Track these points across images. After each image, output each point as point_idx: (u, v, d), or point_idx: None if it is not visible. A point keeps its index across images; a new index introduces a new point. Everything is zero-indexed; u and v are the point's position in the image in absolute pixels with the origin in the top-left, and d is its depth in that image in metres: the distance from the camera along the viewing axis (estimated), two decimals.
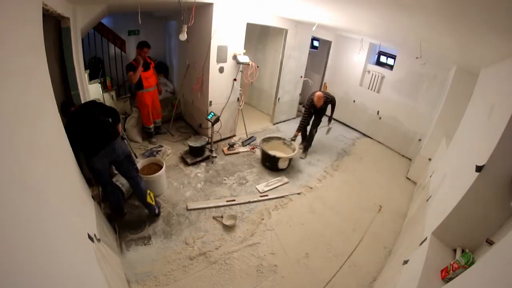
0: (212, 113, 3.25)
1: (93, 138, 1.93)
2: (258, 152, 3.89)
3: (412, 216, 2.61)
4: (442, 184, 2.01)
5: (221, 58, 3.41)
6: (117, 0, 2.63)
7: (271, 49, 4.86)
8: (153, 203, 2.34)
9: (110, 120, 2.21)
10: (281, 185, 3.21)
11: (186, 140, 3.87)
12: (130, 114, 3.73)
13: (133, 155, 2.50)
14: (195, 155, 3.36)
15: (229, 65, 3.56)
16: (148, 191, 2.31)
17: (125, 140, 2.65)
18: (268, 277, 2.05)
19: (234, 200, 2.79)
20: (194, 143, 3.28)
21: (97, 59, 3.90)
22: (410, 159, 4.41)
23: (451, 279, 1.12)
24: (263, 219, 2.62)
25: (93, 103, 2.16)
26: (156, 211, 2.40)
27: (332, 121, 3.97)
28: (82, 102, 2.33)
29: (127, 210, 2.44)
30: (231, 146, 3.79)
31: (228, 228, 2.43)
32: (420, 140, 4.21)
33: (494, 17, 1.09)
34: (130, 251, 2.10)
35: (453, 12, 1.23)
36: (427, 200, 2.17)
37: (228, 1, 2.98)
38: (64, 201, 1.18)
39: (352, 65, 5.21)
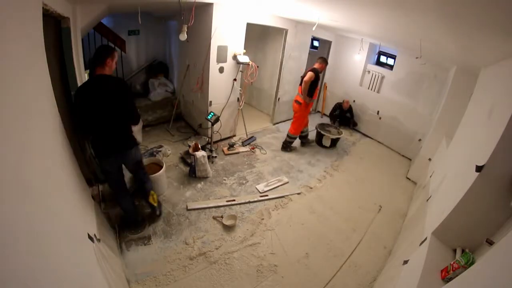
0: (212, 113, 3.25)
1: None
2: (258, 152, 3.89)
3: (412, 216, 2.61)
4: (442, 184, 2.01)
5: (221, 58, 3.41)
6: (117, 0, 2.63)
7: (271, 49, 4.86)
8: (155, 204, 2.29)
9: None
10: (281, 185, 3.20)
11: (186, 140, 3.87)
12: None
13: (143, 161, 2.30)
14: None
15: (229, 65, 3.56)
16: (152, 192, 2.25)
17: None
18: (268, 277, 2.05)
19: (234, 200, 2.79)
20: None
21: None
22: (410, 159, 4.41)
23: (451, 279, 1.12)
24: (263, 219, 2.62)
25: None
26: (158, 212, 2.35)
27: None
28: None
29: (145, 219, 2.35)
30: (231, 146, 3.79)
31: (228, 228, 2.43)
32: (420, 140, 4.21)
33: (494, 17, 1.09)
34: (130, 251, 2.10)
35: (453, 12, 1.23)
36: (427, 200, 2.17)
37: (228, 1, 2.98)
38: (64, 201, 1.18)
39: (352, 65, 5.21)
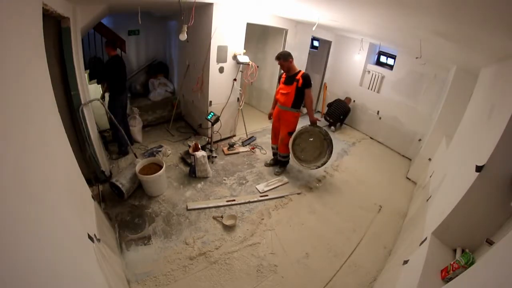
0: (212, 113, 3.25)
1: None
2: (258, 152, 3.89)
3: (412, 216, 2.61)
4: (442, 184, 2.01)
5: (221, 58, 3.41)
6: (117, 0, 2.63)
7: (271, 49, 4.86)
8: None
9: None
10: (281, 185, 3.20)
11: (186, 140, 3.88)
12: (130, 114, 3.73)
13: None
14: None
15: (229, 65, 3.56)
16: None
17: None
18: (268, 277, 2.05)
19: (234, 200, 2.79)
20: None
21: (97, 59, 3.90)
22: (410, 159, 4.41)
23: (451, 279, 1.12)
24: (263, 219, 2.62)
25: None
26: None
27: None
28: (82, 102, 2.34)
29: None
30: (231, 146, 3.79)
31: (228, 228, 2.43)
32: (420, 140, 4.21)
33: (494, 17, 1.09)
34: (130, 251, 2.10)
35: (453, 11, 1.23)
36: (427, 200, 2.17)
37: (228, 1, 2.98)
38: (64, 201, 1.18)
39: (352, 65, 5.21)
